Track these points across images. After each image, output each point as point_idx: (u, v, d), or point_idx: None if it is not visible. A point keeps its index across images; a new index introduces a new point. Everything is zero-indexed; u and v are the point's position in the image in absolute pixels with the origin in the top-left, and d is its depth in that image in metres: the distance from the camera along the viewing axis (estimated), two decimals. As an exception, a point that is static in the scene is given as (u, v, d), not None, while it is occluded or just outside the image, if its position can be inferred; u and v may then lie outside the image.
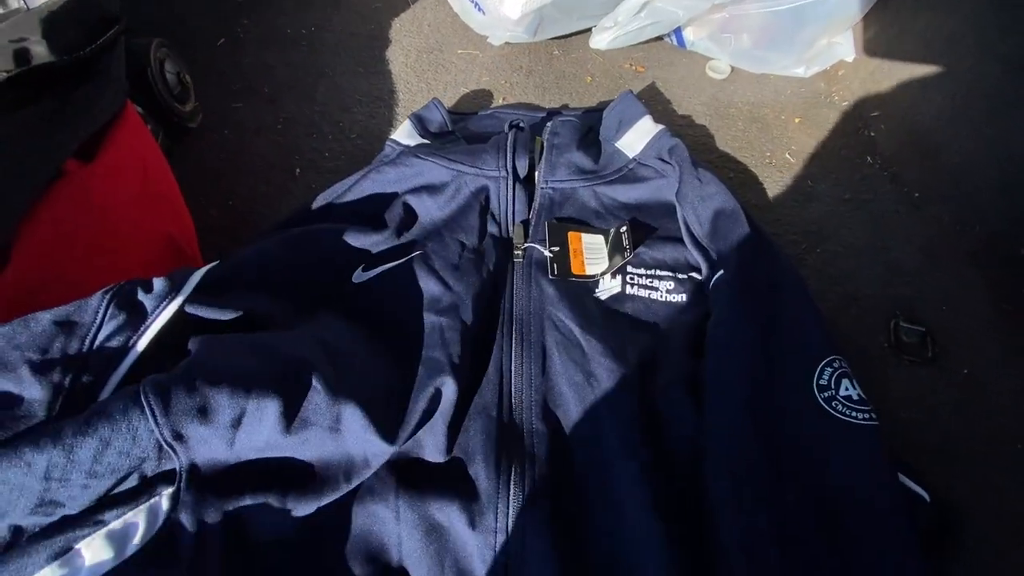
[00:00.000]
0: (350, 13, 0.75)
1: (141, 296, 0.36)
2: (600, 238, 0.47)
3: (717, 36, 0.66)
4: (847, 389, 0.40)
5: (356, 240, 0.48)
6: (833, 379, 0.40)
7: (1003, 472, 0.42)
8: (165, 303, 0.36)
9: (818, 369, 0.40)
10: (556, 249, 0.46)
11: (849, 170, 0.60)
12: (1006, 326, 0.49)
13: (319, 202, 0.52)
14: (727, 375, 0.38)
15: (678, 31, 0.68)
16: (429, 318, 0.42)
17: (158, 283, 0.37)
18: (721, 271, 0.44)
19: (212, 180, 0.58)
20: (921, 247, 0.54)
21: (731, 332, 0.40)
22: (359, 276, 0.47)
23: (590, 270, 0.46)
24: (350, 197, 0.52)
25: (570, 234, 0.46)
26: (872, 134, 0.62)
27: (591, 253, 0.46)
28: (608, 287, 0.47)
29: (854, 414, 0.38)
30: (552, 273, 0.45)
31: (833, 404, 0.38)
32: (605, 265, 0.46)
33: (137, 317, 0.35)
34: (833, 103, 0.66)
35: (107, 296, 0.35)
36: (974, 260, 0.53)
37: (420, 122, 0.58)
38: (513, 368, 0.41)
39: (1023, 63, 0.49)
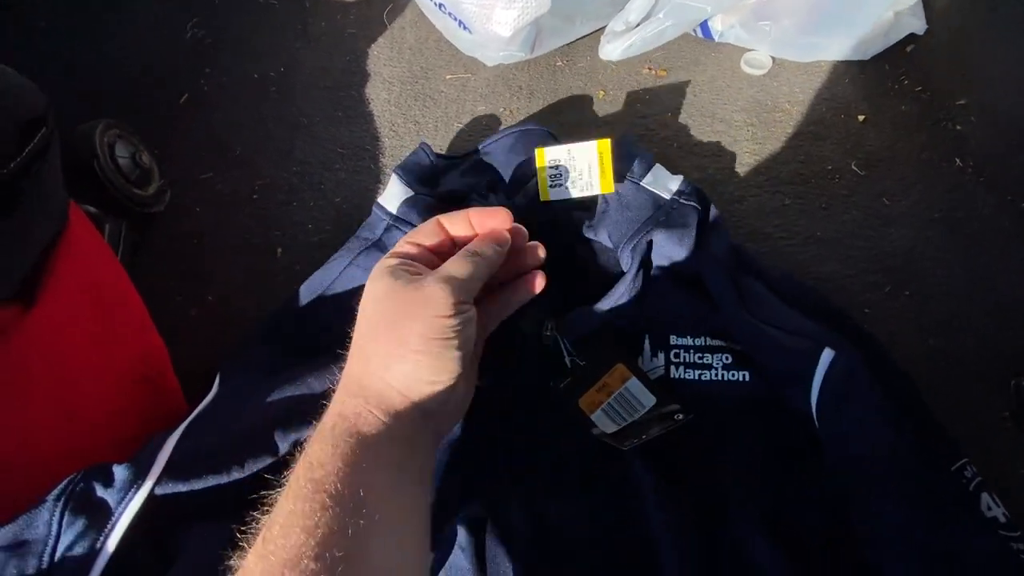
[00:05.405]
0: (321, 45, 0.66)
1: (100, 492, 0.30)
2: (646, 398, 0.35)
3: (752, 24, 0.54)
4: (990, 508, 0.32)
5: None
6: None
7: None
8: (131, 494, 0.30)
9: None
10: (583, 365, 0.36)
11: (934, 179, 0.49)
12: None
13: (304, 299, 0.45)
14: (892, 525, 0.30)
15: (704, 21, 0.57)
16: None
17: (119, 472, 0.31)
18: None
19: (188, 272, 0.52)
20: (1037, 275, 0.44)
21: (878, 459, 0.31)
22: None
23: (597, 419, 0.35)
24: (338, 289, 0.44)
25: (619, 367, 0.35)
26: (959, 127, 0.51)
27: (620, 404, 0.35)
28: (649, 369, 0.39)
29: (1015, 547, 0.30)
30: (554, 390, 0.36)
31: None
32: (616, 428, 0.34)
33: (99, 517, 0.30)
34: (904, 91, 0.54)
35: (59, 502, 0.29)
36: (1109, 287, 0.42)
37: (408, 173, 0.49)
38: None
39: None
